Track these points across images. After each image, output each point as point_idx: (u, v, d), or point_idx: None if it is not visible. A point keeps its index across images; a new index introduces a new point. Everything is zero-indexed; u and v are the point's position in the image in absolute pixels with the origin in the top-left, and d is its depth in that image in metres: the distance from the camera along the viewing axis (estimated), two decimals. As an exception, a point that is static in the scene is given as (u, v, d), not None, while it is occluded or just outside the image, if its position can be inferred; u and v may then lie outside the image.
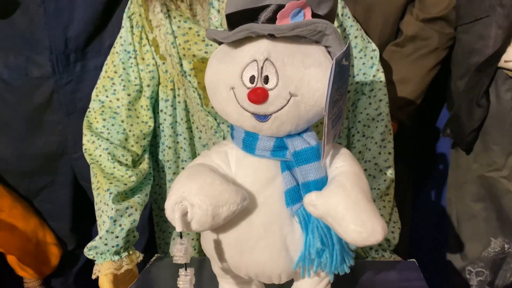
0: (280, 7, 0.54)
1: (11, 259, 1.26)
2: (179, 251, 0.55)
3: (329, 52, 0.57)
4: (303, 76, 0.54)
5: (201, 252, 1.05)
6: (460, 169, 1.28)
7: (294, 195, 0.55)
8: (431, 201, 1.46)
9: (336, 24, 0.92)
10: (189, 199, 0.54)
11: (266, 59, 0.54)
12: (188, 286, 0.55)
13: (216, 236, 0.58)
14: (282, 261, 0.55)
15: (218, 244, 0.59)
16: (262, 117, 0.55)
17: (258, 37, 0.55)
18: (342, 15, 0.95)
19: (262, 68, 0.54)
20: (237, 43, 0.56)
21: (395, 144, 1.12)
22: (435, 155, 1.46)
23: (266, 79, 0.54)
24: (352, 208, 0.52)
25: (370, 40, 0.99)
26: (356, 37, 0.96)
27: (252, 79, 0.54)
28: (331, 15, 0.59)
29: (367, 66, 0.97)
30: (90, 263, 1.38)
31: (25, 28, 1.11)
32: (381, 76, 0.98)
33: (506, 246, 1.22)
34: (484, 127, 1.18)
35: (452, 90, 1.22)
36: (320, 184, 0.55)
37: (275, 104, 0.54)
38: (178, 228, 0.54)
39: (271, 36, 0.55)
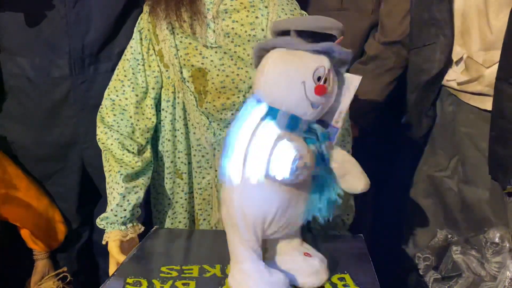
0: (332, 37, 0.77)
1: (25, 233, 1.37)
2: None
3: None
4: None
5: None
6: (413, 169, 1.41)
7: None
8: (390, 197, 1.55)
9: None
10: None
11: (329, 69, 0.76)
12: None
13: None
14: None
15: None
16: (316, 106, 0.76)
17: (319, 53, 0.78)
18: None
19: (326, 73, 0.76)
20: (303, 52, 0.76)
21: (360, 147, 1.27)
22: (395, 157, 1.62)
23: (325, 81, 0.76)
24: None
25: None
26: None
27: (319, 78, 0.75)
28: None
29: None
30: (90, 241, 1.53)
31: (49, 35, 1.23)
32: (344, 89, 1.17)
33: (449, 236, 1.34)
34: (431, 134, 1.33)
35: (406, 102, 1.35)
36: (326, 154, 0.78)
37: (326, 99, 0.77)
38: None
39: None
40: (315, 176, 0.76)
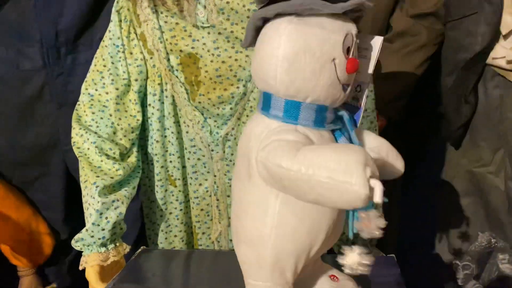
0: None
1: (5, 249, 1.30)
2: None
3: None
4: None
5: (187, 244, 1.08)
6: (449, 164, 1.31)
7: None
8: (420, 196, 1.46)
9: None
10: None
11: (354, 35, 0.58)
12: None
13: None
14: None
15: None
16: (346, 87, 0.60)
17: (341, 15, 0.59)
18: None
19: (355, 40, 0.58)
20: (321, 19, 0.58)
21: (386, 140, 1.15)
22: (424, 150, 1.49)
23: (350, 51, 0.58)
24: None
25: None
26: None
27: (348, 51, 0.58)
28: None
29: None
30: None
31: (16, 21, 1.15)
32: (367, 72, 1.00)
33: (492, 240, 1.24)
34: (472, 123, 1.22)
35: (441, 86, 1.24)
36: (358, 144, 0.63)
37: (354, 75, 0.60)
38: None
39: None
40: None
